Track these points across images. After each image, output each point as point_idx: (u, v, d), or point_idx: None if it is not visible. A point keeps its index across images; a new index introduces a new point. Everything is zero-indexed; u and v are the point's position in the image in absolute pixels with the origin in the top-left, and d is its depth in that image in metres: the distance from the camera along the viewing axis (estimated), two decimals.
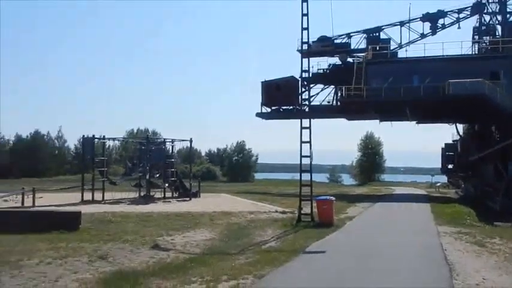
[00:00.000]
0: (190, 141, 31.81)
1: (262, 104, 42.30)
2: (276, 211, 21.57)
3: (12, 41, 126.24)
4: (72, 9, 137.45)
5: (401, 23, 39.81)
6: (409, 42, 39.75)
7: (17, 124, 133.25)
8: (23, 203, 23.72)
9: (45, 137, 76.22)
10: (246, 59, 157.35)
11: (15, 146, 73.55)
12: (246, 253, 11.66)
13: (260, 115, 43.20)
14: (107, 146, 35.91)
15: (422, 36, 39.63)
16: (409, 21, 39.74)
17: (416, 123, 42.19)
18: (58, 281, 8.64)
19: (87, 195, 26.55)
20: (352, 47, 41.07)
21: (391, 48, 39.58)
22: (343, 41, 41.21)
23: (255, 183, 59.96)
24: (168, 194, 29.62)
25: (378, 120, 42.11)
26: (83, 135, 29.24)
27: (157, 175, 29.40)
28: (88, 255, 10.88)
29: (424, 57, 37.09)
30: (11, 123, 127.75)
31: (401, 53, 39.83)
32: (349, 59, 40.83)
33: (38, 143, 73.38)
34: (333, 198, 18.66)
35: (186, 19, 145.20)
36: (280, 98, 40.74)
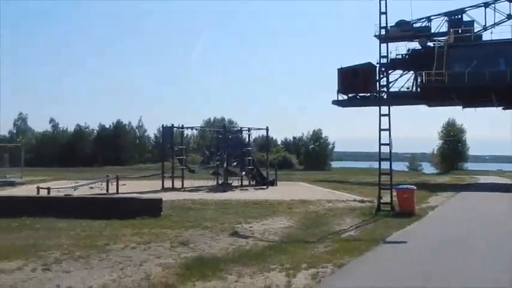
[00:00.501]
0: (267, 129, 31.97)
1: (339, 92, 41.57)
2: (355, 200, 21.18)
3: (96, 34, 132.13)
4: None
5: (486, 4, 37.54)
6: (494, 24, 37.36)
7: (101, 114, 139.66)
8: (107, 190, 24.89)
9: (127, 126, 79.46)
10: (321, 45, 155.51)
11: (99, 136, 77.28)
12: (325, 241, 11.52)
13: (336, 103, 42.50)
14: (185, 135, 36.89)
15: (509, 17, 37.20)
16: (495, 1, 37.44)
17: (503, 109, 39.87)
18: (142, 265, 8.91)
19: (167, 183, 27.39)
20: (432, 31, 39.36)
21: (475, 31, 37.54)
22: (423, 24, 39.56)
23: (332, 172, 59.31)
24: (245, 182, 29.95)
25: (460, 107, 40.22)
26: (162, 125, 30.13)
27: (235, 163, 29.75)
28: (170, 241, 11.17)
29: (511, 39, 34.92)
30: (95, 114, 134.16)
31: (486, 36, 37.60)
32: (430, 43, 39.15)
33: (120, 132, 76.63)
34: (413, 187, 18.06)
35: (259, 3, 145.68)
36: (358, 85, 39.86)
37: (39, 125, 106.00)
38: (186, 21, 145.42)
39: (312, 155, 72.65)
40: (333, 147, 77.80)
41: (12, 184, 29.67)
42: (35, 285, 7.53)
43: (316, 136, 75.78)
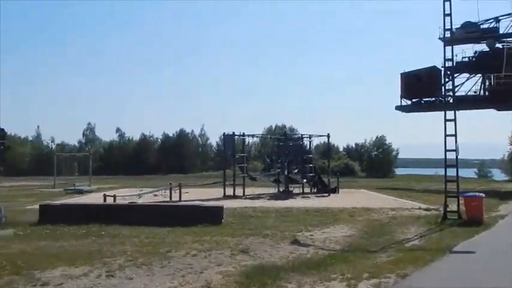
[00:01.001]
0: (328, 136, 31.61)
1: (402, 96, 40.53)
2: (419, 208, 20.49)
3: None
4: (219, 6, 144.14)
5: None
6: None
7: (164, 123, 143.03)
8: (170, 197, 25.39)
9: (190, 135, 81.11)
10: (380, 49, 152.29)
11: (163, 144, 79.33)
12: (388, 251, 11.18)
13: (400, 108, 41.42)
14: (246, 143, 37.08)
15: None
16: None
17: None
18: (203, 272, 8.96)
19: (229, 191, 27.61)
20: (501, 32, 37.70)
21: None
22: (491, 25, 37.91)
23: (395, 179, 57.84)
24: (307, 190, 29.69)
25: None
26: (224, 133, 30.49)
27: (296, 170, 29.62)
28: (231, 248, 11.19)
29: None
30: (158, 123, 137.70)
31: None
32: (498, 45, 37.49)
33: (183, 141, 78.31)
34: (482, 194, 17.27)
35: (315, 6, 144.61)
36: (421, 90, 38.66)
37: (106, 134, 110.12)
38: (253, 25, 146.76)
39: (375, 162, 71.18)
40: (397, 153, 75.90)
41: (80, 192, 30.89)
42: None
43: (380, 142, 74.23)
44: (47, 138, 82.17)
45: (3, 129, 69.58)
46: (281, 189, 28.33)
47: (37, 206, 18.09)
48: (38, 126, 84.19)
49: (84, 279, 8.43)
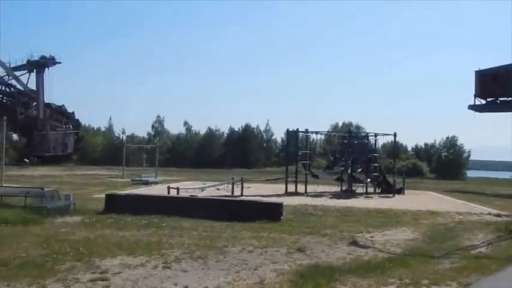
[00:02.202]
0: (395, 135, 30.73)
1: (476, 95, 38.76)
2: (489, 213, 19.50)
3: (227, 37, 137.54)
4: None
5: None
6: None
7: (231, 117, 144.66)
8: (232, 192, 25.58)
9: (255, 130, 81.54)
10: (454, 46, 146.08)
11: (228, 139, 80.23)
12: (452, 257, 10.65)
13: (473, 107, 39.59)
14: (310, 140, 36.84)
15: None
16: None
17: None
18: (257, 269, 8.92)
19: (291, 187, 27.48)
20: None
21: None
22: None
23: (466, 182, 55.51)
24: (370, 190, 29.04)
25: None
26: (287, 129, 30.28)
27: (360, 170, 29.05)
28: (287, 246, 11.09)
29: None
30: (225, 117, 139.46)
31: None
32: None
33: (248, 135, 78.85)
34: None
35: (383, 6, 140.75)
36: (497, 89, 36.83)
37: (174, 127, 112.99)
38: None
39: (445, 163, 68.54)
40: (469, 155, 72.81)
41: (146, 183, 31.81)
42: (154, 282, 7.84)
43: (451, 143, 71.48)
44: (118, 129, 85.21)
45: (78, 119, 72.67)
46: (344, 188, 27.88)
47: (104, 195, 18.79)
48: (110, 118, 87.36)
49: (141, 269, 8.61)
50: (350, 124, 71.38)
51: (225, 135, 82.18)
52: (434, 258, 10.44)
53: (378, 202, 23.38)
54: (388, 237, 13.17)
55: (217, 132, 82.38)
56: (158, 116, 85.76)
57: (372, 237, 13.02)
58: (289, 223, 14.81)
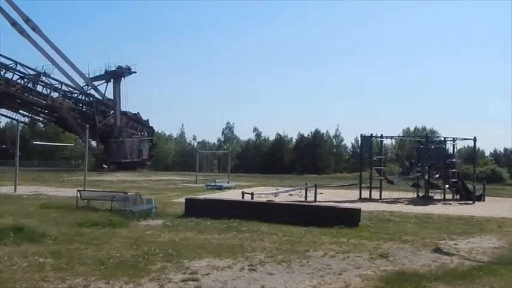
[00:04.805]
0: (474, 140, 29.58)
1: None
2: None
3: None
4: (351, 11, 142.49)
5: None
6: None
7: (300, 124, 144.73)
8: (306, 197, 25.60)
9: (324, 135, 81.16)
10: None
11: (298, 144, 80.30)
12: None
13: None
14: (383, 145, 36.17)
15: None
16: None
17: None
18: (342, 274, 8.88)
19: (365, 193, 27.11)
20: None
21: None
22: None
23: None
24: (448, 196, 28.11)
25: None
26: (361, 134, 29.94)
27: (437, 175, 28.19)
28: (369, 252, 10.96)
29: None
30: (294, 123, 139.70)
31: None
32: None
33: (318, 141, 78.60)
34: None
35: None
36: None
37: (244, 133, 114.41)
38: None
39: None
40: None
41: (220, 188, 32.41)
42: (243, 284, 8.00)
43: None
44: (189, 136, 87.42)
45: (152, 127, 75.52)
46: (420, 195, 27.14)
47: (182, 200, 19.38)
48: (182, 125, 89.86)
49: (228, 271, 8.82)
50: (424, 129, 69.47)
51: (294, 141, 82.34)
52: None
53: (457, 209, 22.60)
54: (472, 244, 12.70)
55: (286, 138, 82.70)
56: (228, 123, 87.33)
57: (455, 244, 12.60)
58: (367, 229, 14.62)
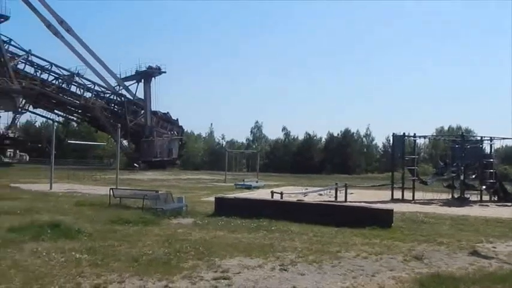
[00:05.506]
0: None
1: None
2: None
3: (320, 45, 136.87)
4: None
5: None
6: None
7: (330, 123, 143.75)
8: (336, 197, 25.32)
9: (355, 135, 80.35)
10: None
11: (328, 144, 79.72)
12: None
13: None
14: (417, 144, 35.54)
15: None
16: None
17: None
18: (375, 276, 8.70)
19: (397, 194, 26.65)
20: None
21: None
22: None
23: None
24: (485, 198, 27.42)
25: None
26: (393, 133, 29.46)
27: (473, 176, 27.51)
28: (403, 254, 10.72)
29: None
30: (324, 122, 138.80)
31: None
32: None
33: (348, 140, 77.87)
34: None
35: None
36: None
37: (272, 132, 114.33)
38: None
39: None
40: None
41: (249, 187, 32.41)
42: (274, 284, 7.92)
43: None
44: (218, 135, 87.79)
45: (181, 126, 76.05)
46: (455, 196, 26.53)
47: (211, 198, 19.41)
48: (211, 124, 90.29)
49: (259, 270, 8.75)
50: (459, 128, 68.01)
51: (324, 140, 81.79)
52: None
53: (495, 211, 21.96)
54: None
55: (315, 138, 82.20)
56: (257, 122, 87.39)
57: (494, 247, 12.21)
58: (400, 230, 14.33)
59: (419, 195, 26.71)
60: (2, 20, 61.87)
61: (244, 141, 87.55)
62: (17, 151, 70.63)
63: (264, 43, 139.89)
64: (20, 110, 67.28)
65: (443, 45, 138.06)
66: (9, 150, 68.76)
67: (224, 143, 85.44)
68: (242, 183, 34.50)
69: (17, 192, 24.12)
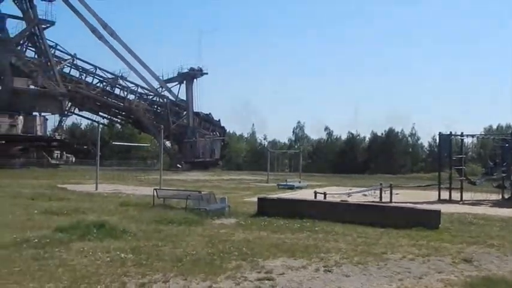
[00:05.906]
0: None
1: None
2: None
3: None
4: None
5: None
6: None
7: (373, 122, 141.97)
8: (380, 198, 24.87)
9: (399, 134, 78.94)
10: None
11: (371, 144, 78.63)
12: None
13: None
14: (464, 144, 34.53)
15: None
16: None
17: None
18: (422, 278, 8.48)
19: (444, 194, 25.95)
20: None
21: None
22: None
23: None
24: None
25: None
26: (439, 133, 28.70)
27: None
28: (451, 256, 10.40)
29: None
30: (365, 123, 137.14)
31: None
32: None
33: (392, 140, 76.58)
34: None
35: None
36: None
37: (315, 132, 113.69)
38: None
39: None
40: None
41: (292, 187, 32.26)
42: (318, 285, 7.83)
43: None
44: (260, 135, 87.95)
45: (223, 127, 76.46)
46: (506, 196, 25.62)
47: (254, 199, 19.38)
48: (253, 125, 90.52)
49: (303, 271, 8.66)
50: (508, 126, 65.85)
51: (367, 140, 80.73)
52: None
53: None
54: None
55: (359, 137, 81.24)
56: (299, 122, 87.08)
57: None
58: (448, 232, 13.91)
59: (467, 195, 25.94)
60: (48, 25, 63.95)
61: (287, 142, 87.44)
62: (64, 153, 72.79)
63: (303, 43, 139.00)
64: (66, 112, 69.38)
65: (485, 40, 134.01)
66: (56, 152, 70.92)
67: (266, 143, 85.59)
68: (285, 183, 34.37)
69: (64, 192, 24.76)
